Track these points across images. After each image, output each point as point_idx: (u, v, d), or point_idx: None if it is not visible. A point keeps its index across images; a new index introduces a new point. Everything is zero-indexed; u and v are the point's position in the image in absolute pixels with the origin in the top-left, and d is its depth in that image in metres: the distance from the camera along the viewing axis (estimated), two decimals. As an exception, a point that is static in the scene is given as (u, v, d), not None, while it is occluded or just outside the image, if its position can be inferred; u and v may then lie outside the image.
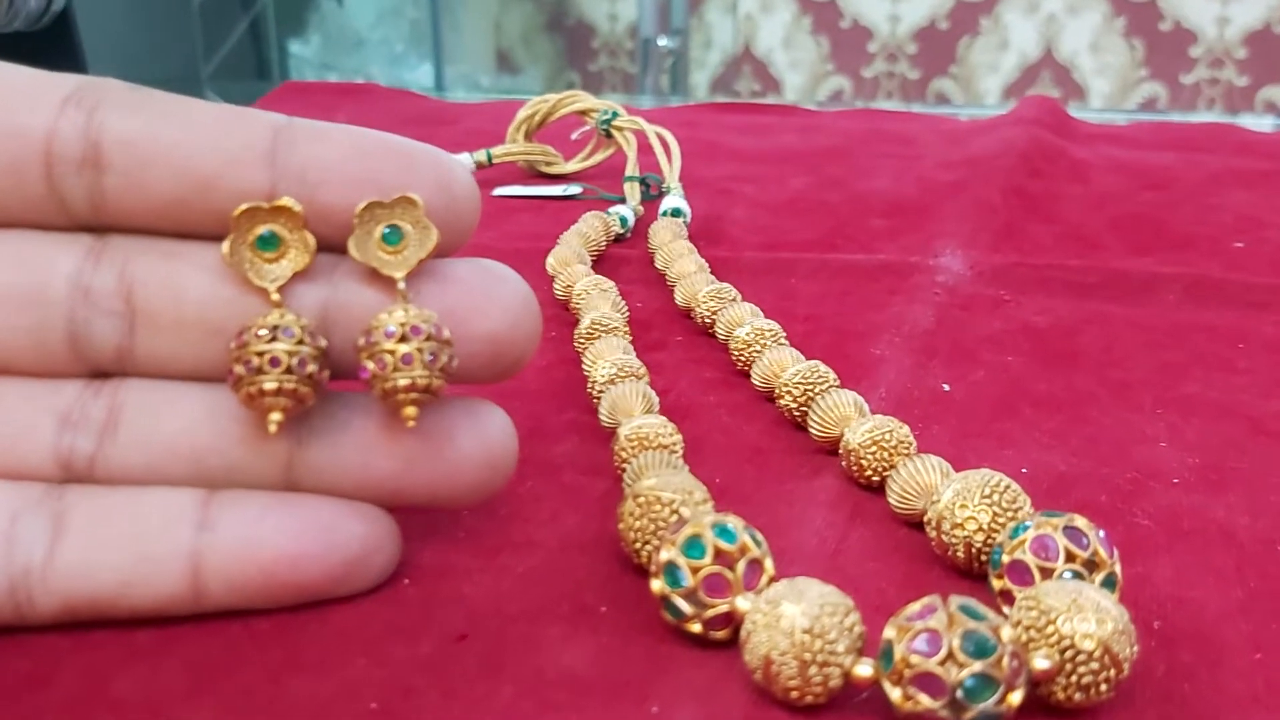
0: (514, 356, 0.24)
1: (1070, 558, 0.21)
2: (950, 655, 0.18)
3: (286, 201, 0.22)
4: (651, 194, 0.55)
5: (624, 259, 0.46)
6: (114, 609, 0.22)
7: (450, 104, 0.89)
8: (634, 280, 0.44)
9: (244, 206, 0.22)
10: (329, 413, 0.23)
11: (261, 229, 0.22)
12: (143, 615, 0.22)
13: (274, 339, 0.22)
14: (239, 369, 0.22)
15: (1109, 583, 0.21)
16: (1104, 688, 0.19)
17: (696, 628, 0.21)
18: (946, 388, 0.33)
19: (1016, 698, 0.19)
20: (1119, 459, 0.29)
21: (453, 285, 0.23)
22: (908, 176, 0.60)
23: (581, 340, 0.34)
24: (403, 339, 0.22)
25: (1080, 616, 0.19)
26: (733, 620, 0.21)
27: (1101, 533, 0.22)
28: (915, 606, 0.19)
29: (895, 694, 0.19)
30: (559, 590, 0.24)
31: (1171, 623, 0.22)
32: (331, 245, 0.23)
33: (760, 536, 0.22)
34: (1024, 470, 0.29)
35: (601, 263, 0.46)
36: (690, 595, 0.21)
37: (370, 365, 0.22)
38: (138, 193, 0.22)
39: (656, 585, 0.22)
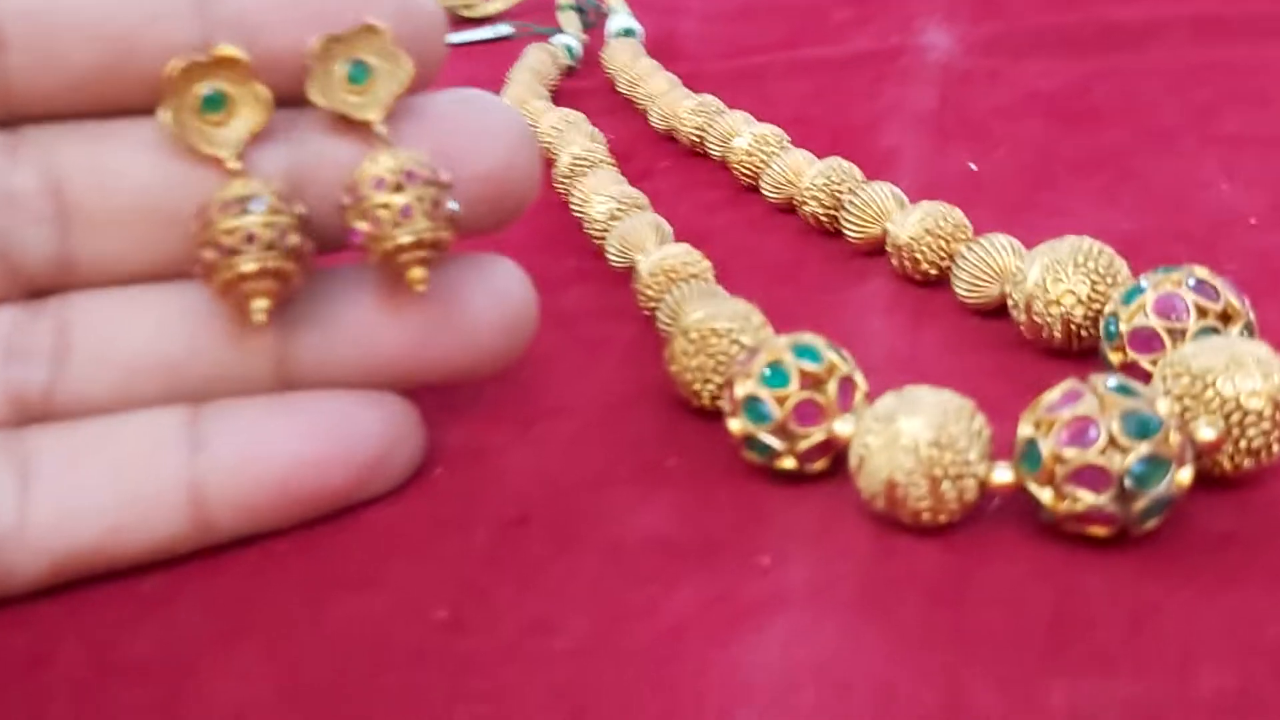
0: (516, 197, 0.20)
1: (1202, 313, 0.19)
2: (1111, 441, 0.16)
3: (228, 50, 0.18)
4: (590, 21, 0.51)
5: (580, 91, 0.42)
6: (109, 560, 0.18)
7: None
8: (598, 112, 0.39)
9: (179, 63, 0.18)
10: (317, 293, 0.20)
11: (204, 88, 0.19)
12: (143, 561, 0.19)
13: (244, 212, 0.18)
14: (209, 254, 0.18)
15: (1248, 333, 0.19)
16: (1276, 448, 0.17)
17: (790, 463, 0.18)
18: (974, 167, 0.30)
19: (1186, 475, 0.16)
20: (1183, 208, 0.26)
21: (436, 122, 0.20)
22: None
23: (563, 180, 0.31)
24: (397, 188, 0.18)
25: (1242, 373, 0.17)
26: (832, 448, 0.18)
27: (1226, 280, 0.19)
28: (1054, 394, 0.17)
29: (1046, 495, 0.16)
30: (613, 450, 0.21)
31: (1308, 369, 0.20)
32: (288, 97, 0.19)
33: (846, 352, 0.19)
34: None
35: (556, 99, 0.41)
36: (780, 428, 0.18)
37: (363, 225, 0.18)
38: (47, 69, 0.18)
39: (736, 424, 0.19)
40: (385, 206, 0.18)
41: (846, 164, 0.27)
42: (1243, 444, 0.17)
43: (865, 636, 0.15)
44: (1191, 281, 0.19)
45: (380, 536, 0.19)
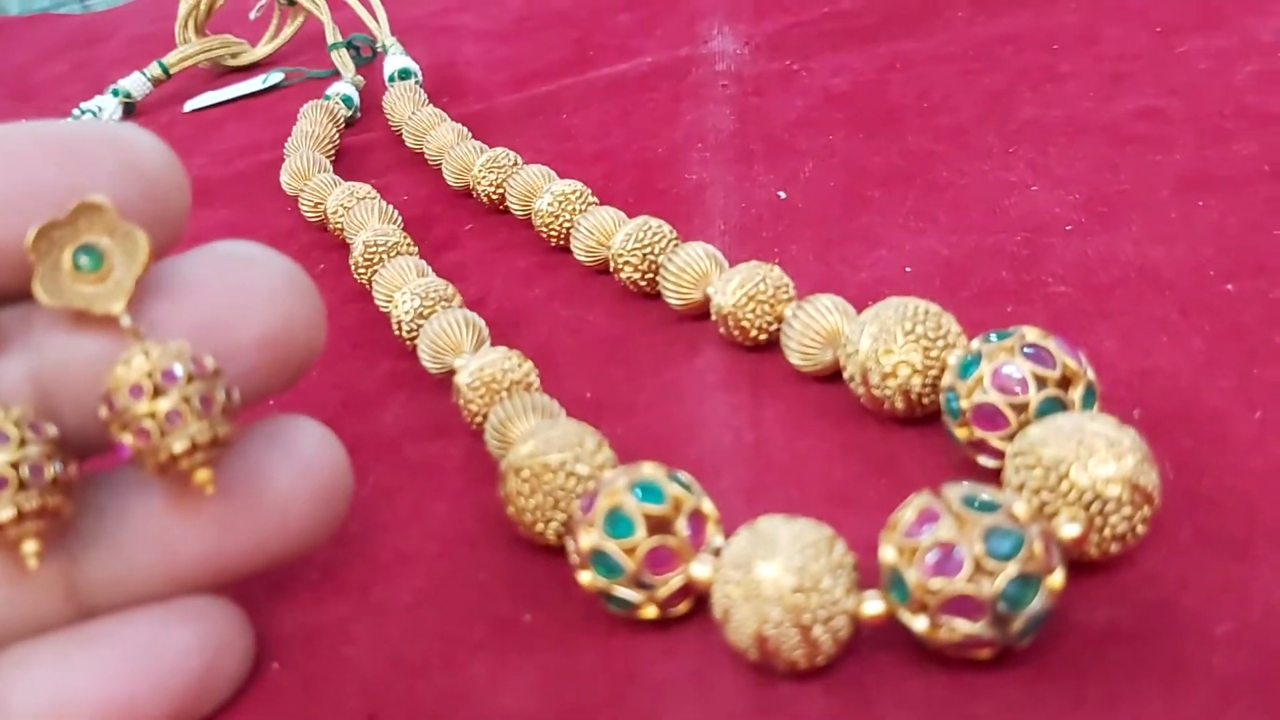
0: (299, 356, 0.18)
1: (1041, 382, 0.18)
2: (977, 566, 0.15)
3: None
4: (364, 57, 0.48)
5: (366, 147, 0.40)
6: None
7: (96, 15, 0.77)
8: (387, 169, 0.38)
9: None
10: (96, 505, 0.18)
11: None
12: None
13: None
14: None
15: (1089, 396, 0.18)
16: (1140, 529, 0.16)
17: (651, 611, 0.17)
18: (783, 195, 0.29)
19: (1058, 579, 0.15)
20: (997, 221, 0.26)
21: (193, 293, 0.17)
22: (630, -44, 0.54)
23: (361, 270, 0.29)
24: (156, 393, 0.16)
25: (1094, 459, 0.16)
26: (691, 589, 0.17)
27: (1058, 339, 0.18)
28: (908, 514, 0.16)
29: (921, 624, 0.15)
30: (462, 610, 0.19)
31: (1151, 405, 0.20)
32: (8, 293, 0.17)
33: (686, 477, 0.18)
34: (908, 269, 0.25)
35: (341, 158, 0.39)
36: (633, 580, 0.17)
37: (128, 439, 0.16)
38: None
39: (587, 577, 0.17)
40: (150, 415, 0.16)
41: (656, 222, 0.26)
42: (1106, 531, 0.16)
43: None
44: (1025, 349, 0.18)
45: (224, 763, 0.17)
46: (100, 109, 0.49)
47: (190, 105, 0.50)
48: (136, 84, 0.51)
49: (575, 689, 0.17)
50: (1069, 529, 0.16)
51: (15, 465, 0.16)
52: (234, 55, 0.53)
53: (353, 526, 0.21)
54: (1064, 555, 0.16)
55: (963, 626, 0.15)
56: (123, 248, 0.17)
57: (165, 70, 0.51)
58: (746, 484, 0.20)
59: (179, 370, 0.16)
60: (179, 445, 0.16)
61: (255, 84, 0.50)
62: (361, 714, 0.18)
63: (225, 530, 0.18)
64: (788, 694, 0.16)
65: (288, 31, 0.53)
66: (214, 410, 0.16)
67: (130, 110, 0.51)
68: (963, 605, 0.15)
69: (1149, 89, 0.30)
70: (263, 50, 0.53)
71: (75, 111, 0.49)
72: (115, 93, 0.50)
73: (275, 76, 0.50)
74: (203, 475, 0.16)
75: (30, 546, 0.16)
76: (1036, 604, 0.15)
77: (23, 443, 0.16)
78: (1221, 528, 0.17)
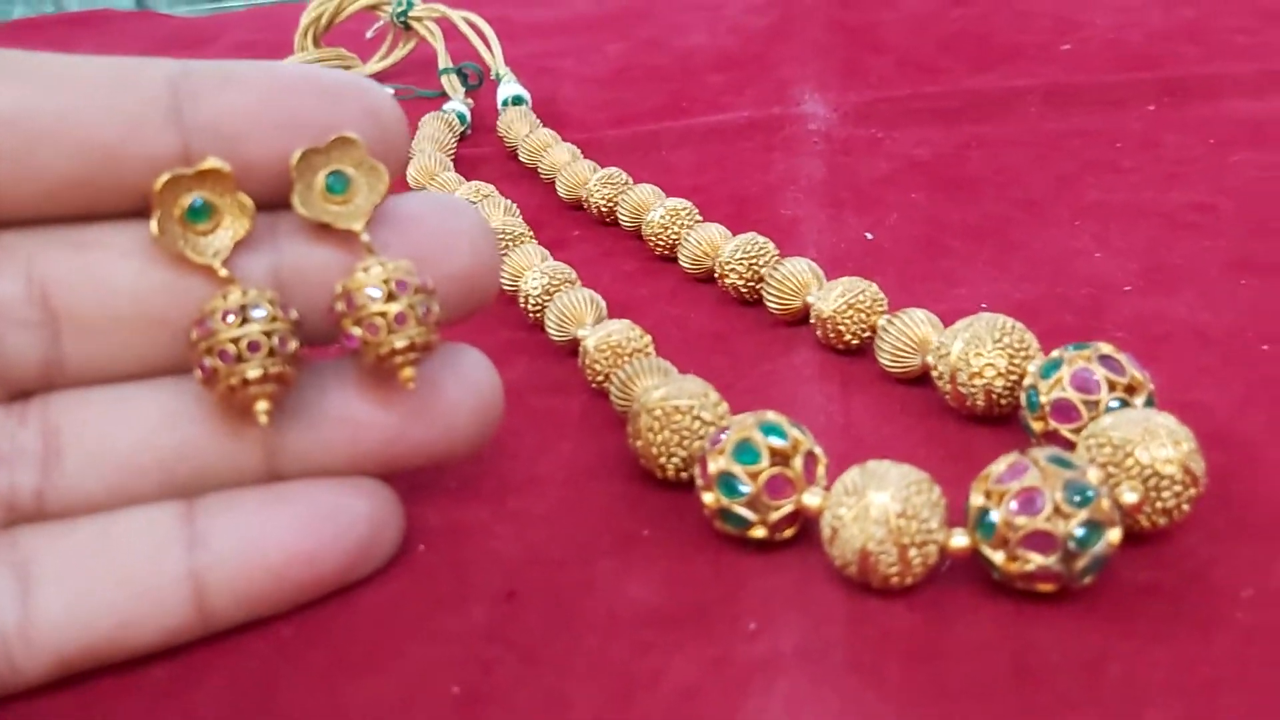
0: (484, 291, 0.21)
1: (1112, 386, 0.21)
2: (1056, 509, 0.18)
3: (214, 163, 0.19)
4: (471, 84, 0.52)
5: (478, 159, 0.43)
6: (114, 654, 0.19)
7: (204, 19, 0.81)
8: (498, 178, 0.41)
9: (166, 176, 0.19)
10: (303, 386, 0.21)
11: (190, 198, 0.19)
12: (147, 652, 0.19)
13: (245, 320, 0.19)
14: (212, 361, 0.19)
15: (1150, 403, 0.21)
16: (1185, 507, 0.19)
17: (761, 532, 0.20)
18: (870, 236, 0.33)
19: (1117, 534, 0.18)
20: (1065, 277, 0.29)
21: (412, 226, 0.21)
22: (720, 28, 0.58)
23: (487, 253, 0.32)
24: (390, 297, 0.19)
25: (1156, 442, 0.19)
26: (800, 517, 0.20)
27: (1128, 355, 0.22)
28: (1000, 466, 0.19)
29: (999, 558, 0.18)
30: (589, 523, 0.22)
31: (1196, 430, 0.23)
32: (265, 203, 0.20)
33: (804, 428, 0.21)
34: (983, 306, 0.28)
35: (457, 166, 0.43)
36: (753, 501, 0.20)
37: (358, 332, 0.19)
38: (29, 177, 0.19)
39: (710, 497, 0.20)
40: (381, 315, 0.19)
41: (761, 238, 0.30)
42: (1159, 505, 0.19)
43: (862, 699, 0.17)
44: (1100, 357, 0.21)
45: (380, 618, 0.20)
46: (220, 99, 0.53)
47: (303, 107, 0.53)
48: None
49: (691, 589, 0.20)
50: (1129, 495, 0.19)
51: (268, 334, 0.19)
52: (346, 67, 0.57)
53: (486, 451, 0.24)
54: (1123, 517, 0.19)
55: (1036, 559, 0.18)
56: (366, 178, 0.20)
57: (283, 72, 0.55)
58: (837, 456, 0.23)
59: (409, 282, 0.19)
60: (400, 342, 0.19)
61: (367, 95, 0.53)
62: (502, 590, 0.20)
63: (404, 424, 0.21)
64: (877, 607, 0.19)
65: (399, 53, 0.57)
66: (429, 320, 0.19)
67: (246, 104, 0.54)
68: (1039, 540, 0.18)
69: (1202, 187, 0.33)
70: (372, 67, 0.57)
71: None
72: (235, 86, 0.54)
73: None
74: (409, 372, 0.20)
75: (264, 406, 0.19)
76: (1099, 548, 0.18)
77: (274, 318, 0.19)
78: (1251, 520, 0.20)
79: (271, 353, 0.19)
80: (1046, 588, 0.18)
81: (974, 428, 0.24)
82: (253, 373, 0.19)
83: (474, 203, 0.35)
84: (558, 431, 0.25)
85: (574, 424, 0.26)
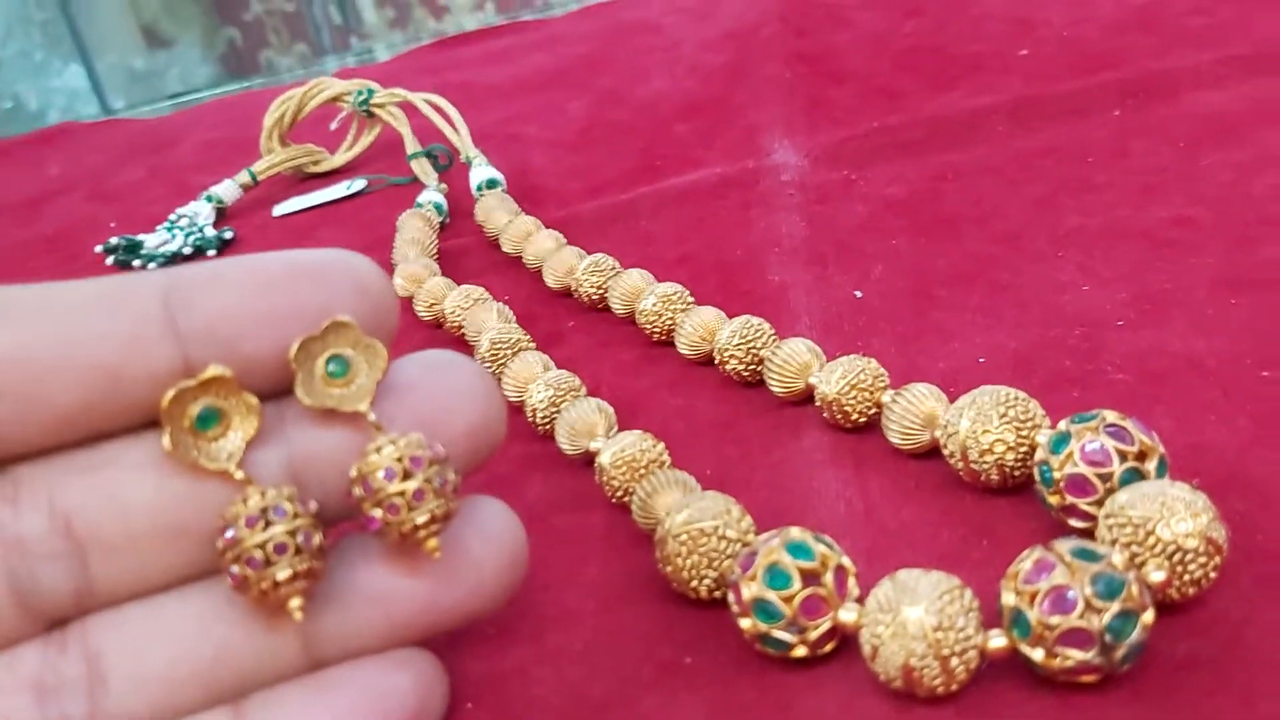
0: (489, 444, 0.22)
1: (1123, 456, 0.22)
2: (1088, 605, 0.18)
3: (216, 371, 0.20)
4: (442, 165, 0.52)
5: (460, 250, 0.44)
6: None
7: (161, 120, 0.81)
8: (484, 271, 0.42)
9: (172, 392, 0.19)
10: (331, 568, 0.21)
11: (197, 408, 0.20)
12: None
13: (268, 524, 0.19)
14: (241, 569, 0.19)
15: (1161, 466, 0.22)
16: (1212, 574, 0.20)
17: (802, 651, 0.21)
18: (859, 294, 0.33)
19: (1149, 616, 0.19)
20: (1056, 318, 0.30)
21: (415, 395, 0.21)
22: (679, 69, 0.59)
23: (487, 364, 0.32)
24: (406, 475, 0.20)
25: (1176, 517, 0.20)
26: (838, 633, 0.21)
27: (1134, 420, 0.22)
28: (1025, 565, 0.19)
29: (1038, 655, 0.19)
30: (629, 656, 0.22)
31: (1207, 474, 0.23)
32: (268, 393, 0.20)
33: (829, 539, 0.21)
34: (981, 360, 0.29)
35: (439, 262, 0.43)
36: (790, 624, 0.20)
37: (379, 514, 0.20)
38: (37, 412, 0.19)
39: (748, 624, 0.21)
40: (399, 494, 0.19)
41: (756, 320, 0.30)
42: (1186, 577, 0.19)
43: (926, 822, 0.18)
44: (1107, 428, 0.22)
45: (440, 788, 0.20)
46: (195, 213, 0.53)
47: (279, 210, 0.54)
48: (228, 190, 0.55)
49: (740, 716, 0.20)
50: (1156, 575, 0.19)
51: (292, 534, 0.19)
52: (315, 162, 0.57)
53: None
54: (1152, 597, 0.19)
55: (1075, 655, 0.18)
56: (365, 357, 0.20)
57: (254, 177, 0.55)
58: (864, 547, 0.24)
59: (422, 456, 0.20)
60: (422, 518, 0.20)
61: (340, 190, 0.54)
62: (555, 742, 0.21)
63: (434, 591, 0.21)
64: (925, 716, 0.19)
65: (365, 140, 0.57)
66: (447, 489, 0.20)
67: (222, 214, 0.55)
68: (1075, 637, 0.18)
69: (1178, 198, 0.34)
70: (342, 158, 0.57)
71: (172, 216, 0.54)
72: (209, 199, 0.54)
73: (359, 184, 0.54)
74: (433, 543, 0.20)
75: (297, 602, 0.19)
76: (1135, 635, 0.18)
77: (296, 515, 0.19)
78: (1275, 573, 0.20)
79: (298, 551, 0.19)
80: (1089, 679, 0.19)
81: (991, 500, 0.24)
82: (282, 574, 0.19)
83: (464, 308, 0.35)
84: (583, 552, 0.26)
85: (598, 542, 0.26)
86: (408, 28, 1.43)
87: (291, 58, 1.42)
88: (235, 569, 0.19)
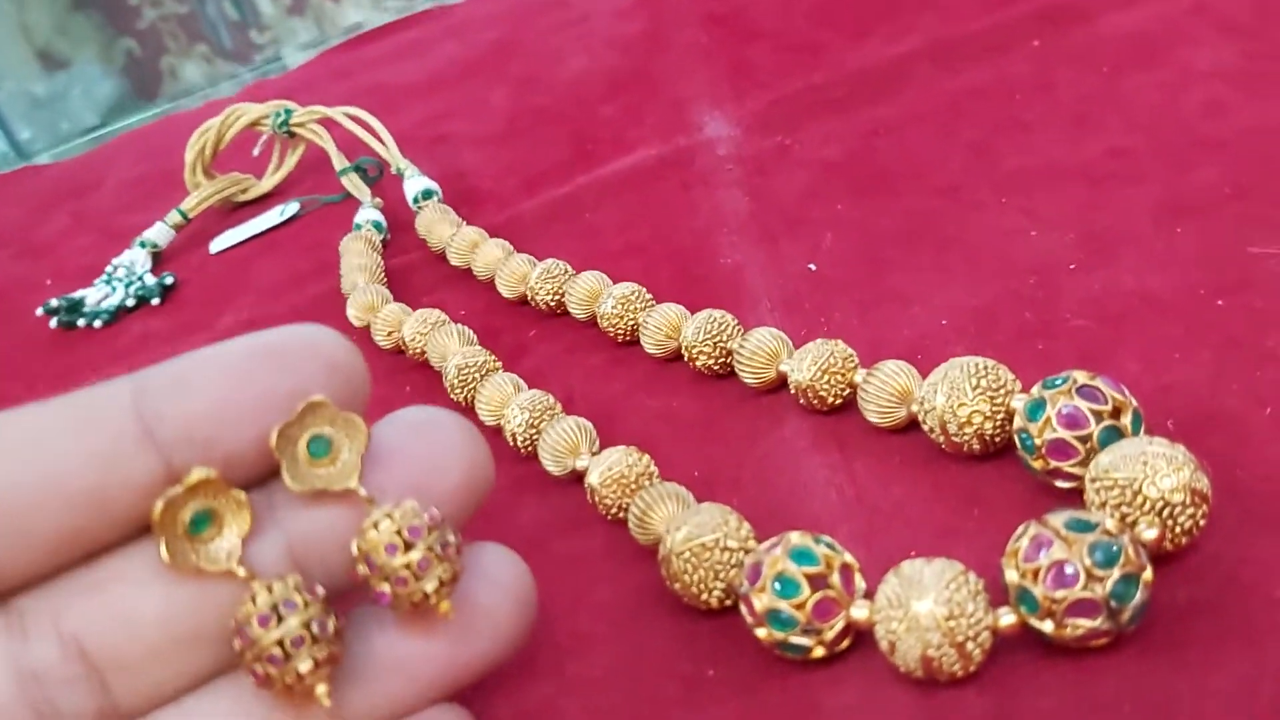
0: (480, 494, 0.22)
1: (1098, 416, 0.22)
2: (1089, 575, 0.19)
3: (201, 474, 0.19)
4: (372, 177, 0.52)
5: (408, 267, 0.43)
6: None
7: (74, 162, 0.80)
8: (435, 286, 0.41)
9: (161, 504, 0.19)
10: (347, 642, 0.21)
11: (188, 513, 0.20)
12: None
13: (280, 619, 0.19)
14: (263, 668, 0.19)
15: (1136, 420, 0.22)
16: (1201, 522, 0.20)
17: (820, 652, 0.21)
18: (813, 267, 0.34)
19: (1149, 575, 0.19)
20: (1009, 268, 0.30)
21: (400, 460, 0.21)
22: (595, 45, 0.58)
23: (457, 390, 0.32)
24: (408, 547, 0.20)
25: (1160, 474, 0.20)
26: (852, 629, 0.21)
27: (1104, 378, 0.23)
28: (1023, 542, 0.20)
29: (1049, 627, 0.19)
30: (651, 676, 0.23)
31: (1180, 415, 0.24)
32: (254, 483, 0.20)
33: (829, 539, 0.22)
34: (944, 322, 0.29)
35: (389, 282, 0.43)
36: (805, 628, 0.21)
37: (387, 588, 0.20)
38: (25, 545, 0.19)
39: (764, 633, 0.21)
40: (405, 566, 0.20)
41: (719, 314, 0.30)
42: (1177, 529, 0.20)
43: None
44: (1079, 390, 0.22)
45: (491, 839, 0.21)
46: (132, 262, 0.53)
47: (216, 246, 0.53)
48: (160, 233, 0.54)
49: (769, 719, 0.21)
50: (1149, 533, 0.20)
51: (306, 625, 0.19)
52: (244, 190, 0.56)
53: (531, 620, 0.25)
54: (1149, 553, 0.20)
55: (1084, 623, 0.19)
56: (345, 432, 0.20)
57: (184, 216, 0.54)
58: (862, 532, 0.24)
59: (419, 524, 0.20)
60: (430, 585, 0.20)
61: (274, 217, 0.53)
62: (594, 775, 0.21)
63: (451, 649, 0.21)
64: (948, 698, 0.20)
65: (290, 161, 0.56)
66: (450, 552, 0.20)
67: (157, 258, 0.54)
68: (1082, 607, 0.19)
69: (1110, 126, 0.34)
70: (269, 183, 0.56)
71: (109, 268, 0.53)
72: (142, 244, 0.53)
73: (292, 207, 0.53)
74: (445, 606, 0.20)
75: (323, 689, 0.20)
76: (1138, 596, 0.19)
77: (307, 605, 0.19)
78: (1259, 509, 0.21)
79: (315, 640, 0.19)
80: (1100, 643, 0.20)
81: (976, 467, 0.25)
82: (304, 666, 0.19)
83: (423, 333, 0.35)
84: (589, 573, 0.26)
85: (600, 562, 0.26)
86: (305, 13, 1.40)
87: (194, 60, 1.38)
88: (257, 668, 0.19)
